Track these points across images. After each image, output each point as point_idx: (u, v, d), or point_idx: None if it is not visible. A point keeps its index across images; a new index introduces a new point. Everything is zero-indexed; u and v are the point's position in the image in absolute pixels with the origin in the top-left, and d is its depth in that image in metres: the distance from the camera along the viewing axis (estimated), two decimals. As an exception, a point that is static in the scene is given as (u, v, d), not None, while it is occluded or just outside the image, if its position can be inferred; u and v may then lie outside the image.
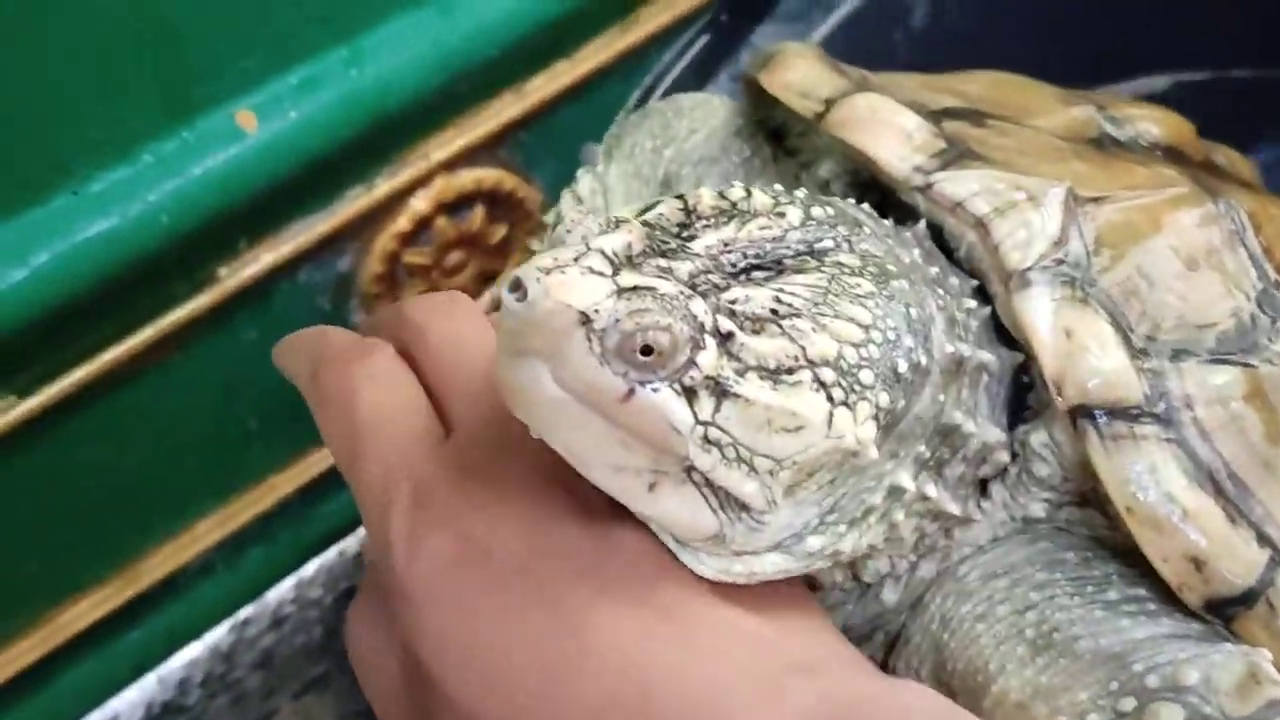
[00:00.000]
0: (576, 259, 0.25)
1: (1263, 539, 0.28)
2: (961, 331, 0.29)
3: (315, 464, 0.61)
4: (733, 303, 0.26)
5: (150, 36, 0.44)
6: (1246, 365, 0.29)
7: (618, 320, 0.25)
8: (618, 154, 0.38)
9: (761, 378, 0.26)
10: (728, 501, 0.27)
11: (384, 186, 0.53)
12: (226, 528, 0.60)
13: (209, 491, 0.59)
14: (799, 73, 0.34)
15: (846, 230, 0.28)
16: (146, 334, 0.50)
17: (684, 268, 0.26)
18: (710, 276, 0.26)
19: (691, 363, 0.25)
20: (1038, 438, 0.30)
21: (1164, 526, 0.28)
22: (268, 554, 0.63)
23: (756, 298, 0.26)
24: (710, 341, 0.25)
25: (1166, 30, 0.57)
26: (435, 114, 0.53)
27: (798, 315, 0.26)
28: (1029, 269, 0.29)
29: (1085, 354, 0.28)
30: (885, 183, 0.32)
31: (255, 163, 0.47)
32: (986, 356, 0.29)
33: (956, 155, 0.31)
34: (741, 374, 0.26)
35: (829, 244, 0.28)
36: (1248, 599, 0.27)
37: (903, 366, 0.27)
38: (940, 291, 0.29)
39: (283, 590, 0.65)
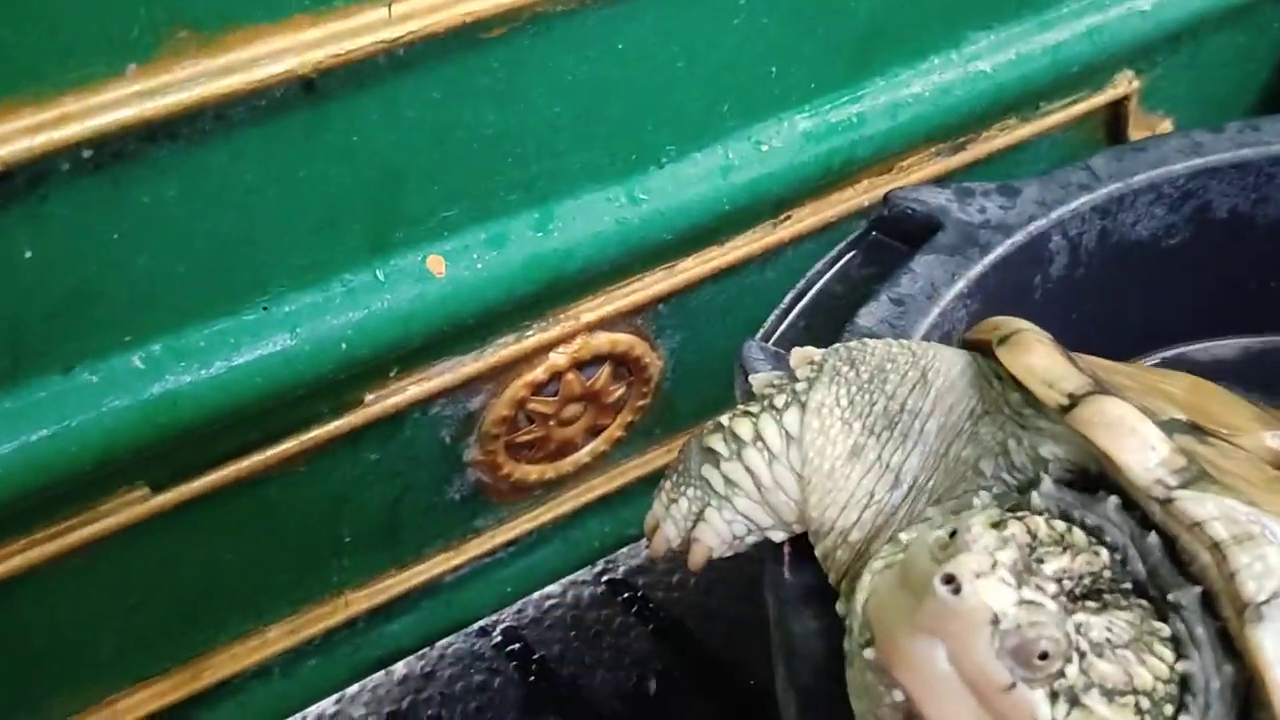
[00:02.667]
0: (994, 567, 0.30)
1: None
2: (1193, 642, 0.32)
3: (391, 587, 0.62)
4: (1078, 626, 0.31)
5: (373, 180, 0.46)
6: None
7: (1019, 626, 0.30)
8: (821, 383, 0.40)
9: (1101, 694, 0.31)
10: None
11: (533, 339, 0.55)
12: (295, 636, 0.60)
13: (287, 597, 0.59)
14: (1041, 360, 0.36)
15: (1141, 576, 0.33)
16: (285, 446, 0.51)
17: (1050, 588, 0.31)
18: (1063, 599, 0.31)
19: (1061, 672, 0.30)
20: None
21: None
22: (323, 667, 0.63)
23: (1096, 625, 0.31)
24: (1075, 655, 0.30)
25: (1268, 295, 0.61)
26: (599, 281, 0.55)
27: (1125, 647, 0.31)
28: (1264, 603, 0.31)
29: None
30: (1119, 483, 0.34)
31: (436, 305, 0.49)
32: (1227, 669, 0.32)
33: (1196, 475, 0.33)
34: (1087, 689, 0.30)
35: (1129, 585, 0.33)
36: None
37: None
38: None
39: (324, 706, 0.65)
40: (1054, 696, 0.30)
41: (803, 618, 0.41)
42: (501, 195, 0.49)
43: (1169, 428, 0.35)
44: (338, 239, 0.46)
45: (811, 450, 0.39)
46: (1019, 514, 0.34)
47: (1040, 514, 0.34)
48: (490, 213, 0.50)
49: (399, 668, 0.67)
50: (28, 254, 0.40)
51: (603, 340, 0.58)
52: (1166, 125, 0.70)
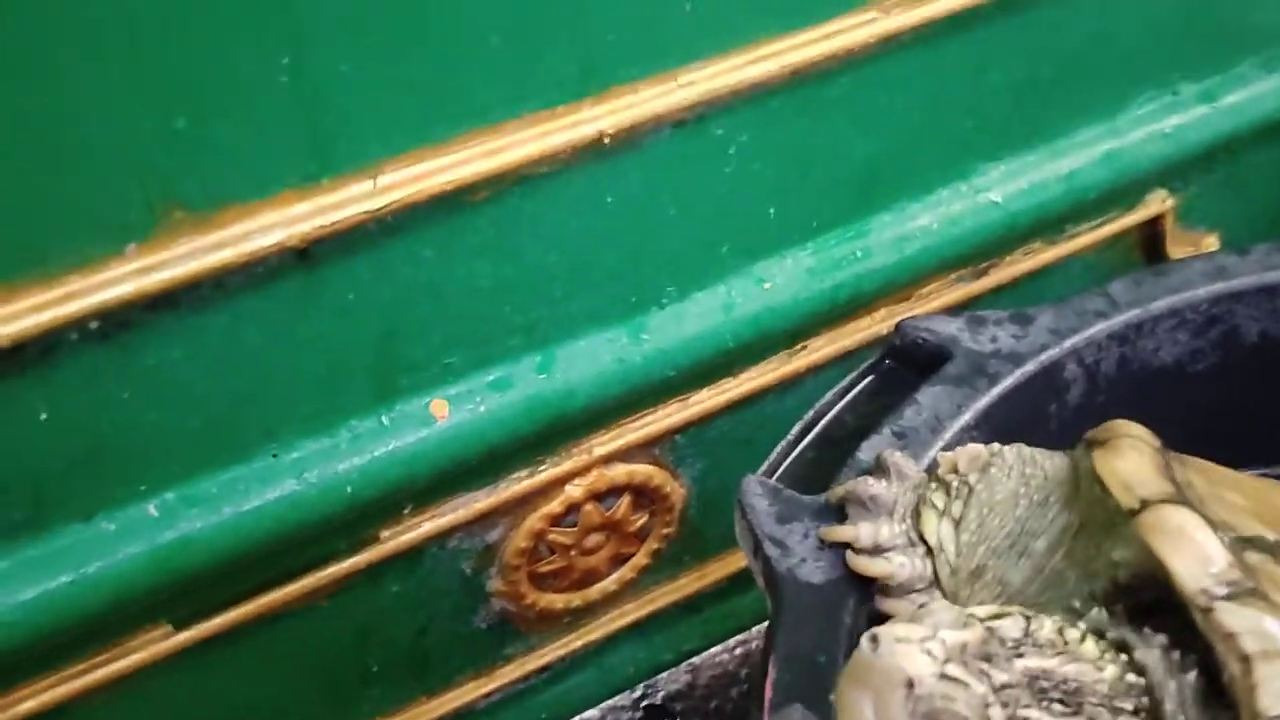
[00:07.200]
0: (922, 639, 0.32)
1: None
2: None
3: (422, 714, 0.63)
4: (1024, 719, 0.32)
5: (372, 334, 0.48)
6: None
7: (932, 694, 0.31)
8: (971, 504, 0.41)
9: None
10: None
11: (546, 473, 0.56)
12: (328, 765, 0.61)
13: (319, 727, 0.60)
14: (1129, 464, 0.37)
15: (1148, 703, 0.33)
16: (304, 583, 0.53)
17: (1000, 677, 0.32)
18: (1017, 692, 0.32)
19: None
20: None
21: None
22: (357, 795, 0.64)
23: None
24: None
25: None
26: (607, 417, 0.56)
27: None
28: (1275, 718, 0.31)
29: None
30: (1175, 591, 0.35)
31: (440, 448, 0.51)
32: None
33: (1244, 590, 0.33)
34: None
35: (1128, 706, 0.33)
36: None
37: None
38: None
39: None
40: None
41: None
42: (502, 341, 0.51)
43: (1243, 543, 0.35)
44: (341, 389, 0.49)
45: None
46: (1027, 613, 0.35)
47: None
48: (492, 358, 0.51)
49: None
50: (43, 416, 0.43)
51: (619, 471, 0.58)
52: (1211, 241, 0.69)
